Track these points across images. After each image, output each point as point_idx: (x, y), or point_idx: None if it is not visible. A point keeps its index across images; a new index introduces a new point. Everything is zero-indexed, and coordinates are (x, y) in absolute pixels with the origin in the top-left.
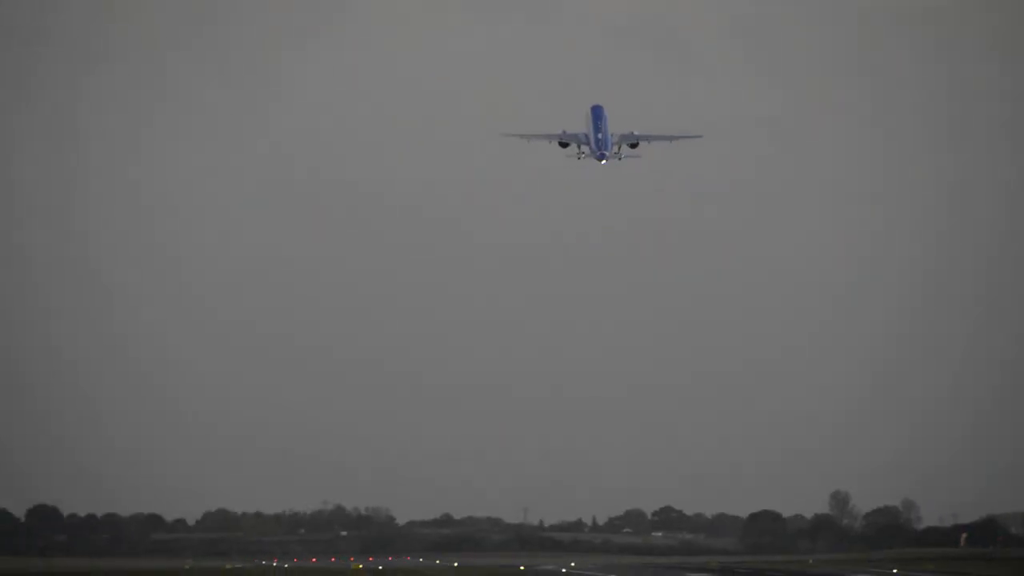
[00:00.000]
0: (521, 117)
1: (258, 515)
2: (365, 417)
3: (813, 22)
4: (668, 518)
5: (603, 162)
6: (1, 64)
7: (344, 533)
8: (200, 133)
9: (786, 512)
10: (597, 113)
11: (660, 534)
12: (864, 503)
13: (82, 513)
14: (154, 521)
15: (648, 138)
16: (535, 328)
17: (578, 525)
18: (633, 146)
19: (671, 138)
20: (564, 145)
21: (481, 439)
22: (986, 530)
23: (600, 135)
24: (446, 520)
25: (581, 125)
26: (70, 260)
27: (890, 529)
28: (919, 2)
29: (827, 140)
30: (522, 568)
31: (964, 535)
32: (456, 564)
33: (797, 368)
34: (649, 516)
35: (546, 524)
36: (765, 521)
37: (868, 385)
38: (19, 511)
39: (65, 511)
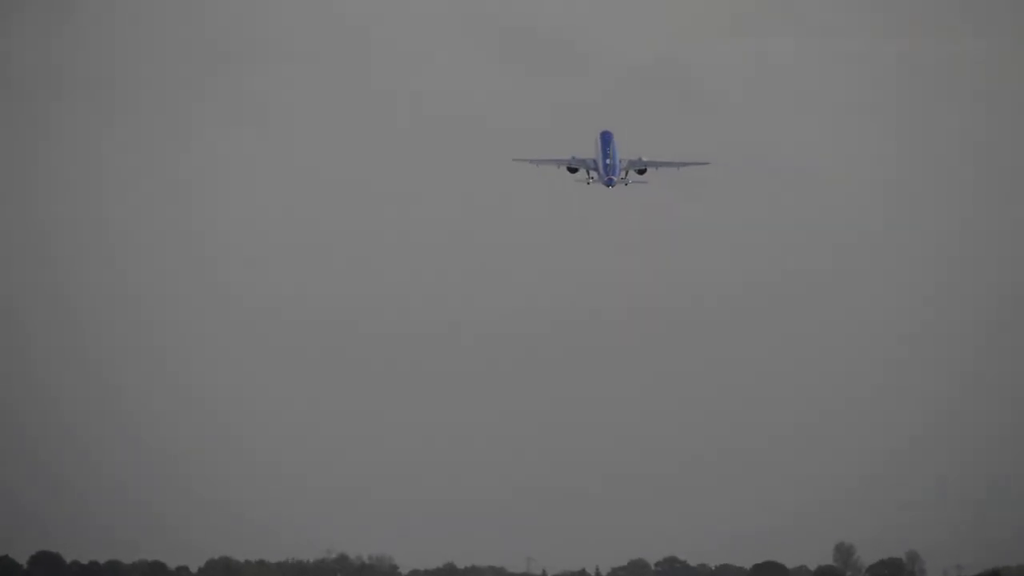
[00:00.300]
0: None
1: (261, 563)
2: (368, 466)
3: (830, 64)
4: (672, 568)
5: (610, 188)
6: None
7: None
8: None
9: (790, 563)
10: (606, 139)
11: None
12: (868, 555)
13: (84, 560)
14: (157, 568)
15: (656, 164)
16: (541, 383)
17: (581, 575)
18: (641, 172)
19: (679, 165)
20: (573, 170)
21: (485, 488)
22: None
23: (609, 161)
24: (449, 569)
25: (590, 151)
26: (69, 321)
27: None
28: (934, 50)
29: (847, 187)
30: None
31: None
32: None
33: (803, 420)
34: (652, 566)
35: (549, 574)
36: (769, 572)
37: (873, 437)
38: (21, 558)
39: (68, 558)
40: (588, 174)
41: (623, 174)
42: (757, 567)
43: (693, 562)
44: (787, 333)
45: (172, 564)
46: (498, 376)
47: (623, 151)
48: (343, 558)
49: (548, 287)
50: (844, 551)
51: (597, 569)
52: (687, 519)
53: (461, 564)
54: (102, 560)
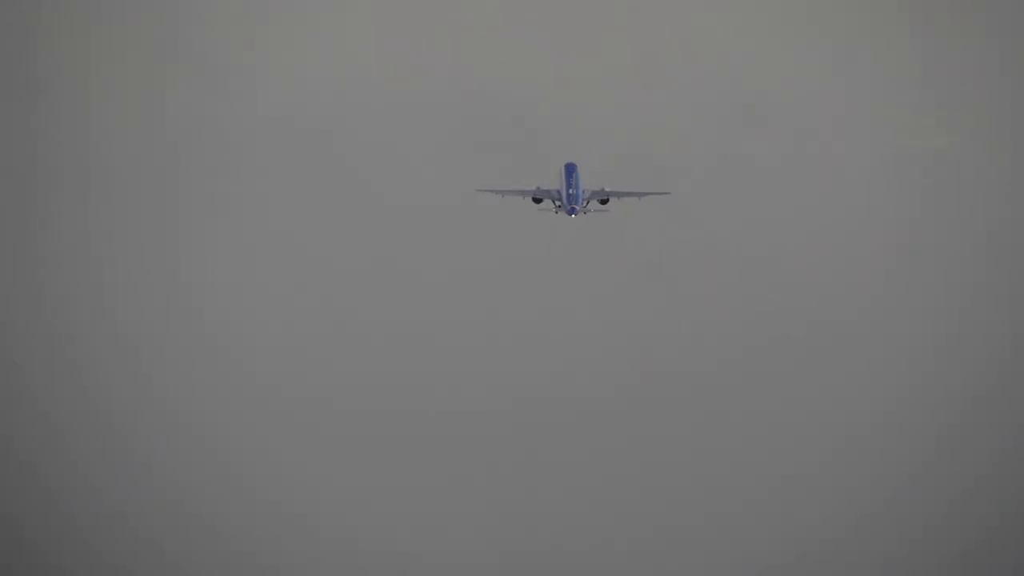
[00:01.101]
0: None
1: None
2: (370, 528)
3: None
4: None
5: (573, 216)
6: None
7: None
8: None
9: None
10: (570, 170)
11: None
12: None
13: None
14: None
15: (618, 194)
16: (532, 450)
17: None
18: (603, 202)
19: (640, 195)
20: (538, 200)
21: (478, 552)
22: None
23: (572, 191)
24: None
25: (554, 182)
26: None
27: None
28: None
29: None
30: None
31: None
32: None
33: (797, 471)
34: None
35: None
36: None
37: (872, 485)
38: None
39: None
40: (554, 203)
41: (585, 203)
42: None
43: None
44: (793, 387)
45: None
46: (496, 440)
47: (586, 181)
48: None
49: (552, 348)
50: None
51: None
52: (685, 570)
53: None
54: None
